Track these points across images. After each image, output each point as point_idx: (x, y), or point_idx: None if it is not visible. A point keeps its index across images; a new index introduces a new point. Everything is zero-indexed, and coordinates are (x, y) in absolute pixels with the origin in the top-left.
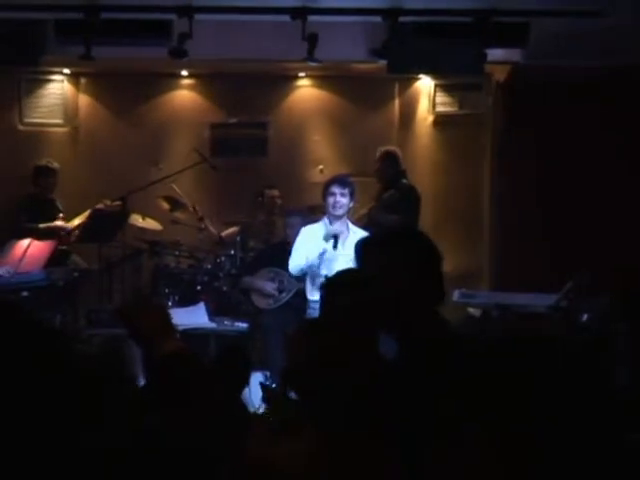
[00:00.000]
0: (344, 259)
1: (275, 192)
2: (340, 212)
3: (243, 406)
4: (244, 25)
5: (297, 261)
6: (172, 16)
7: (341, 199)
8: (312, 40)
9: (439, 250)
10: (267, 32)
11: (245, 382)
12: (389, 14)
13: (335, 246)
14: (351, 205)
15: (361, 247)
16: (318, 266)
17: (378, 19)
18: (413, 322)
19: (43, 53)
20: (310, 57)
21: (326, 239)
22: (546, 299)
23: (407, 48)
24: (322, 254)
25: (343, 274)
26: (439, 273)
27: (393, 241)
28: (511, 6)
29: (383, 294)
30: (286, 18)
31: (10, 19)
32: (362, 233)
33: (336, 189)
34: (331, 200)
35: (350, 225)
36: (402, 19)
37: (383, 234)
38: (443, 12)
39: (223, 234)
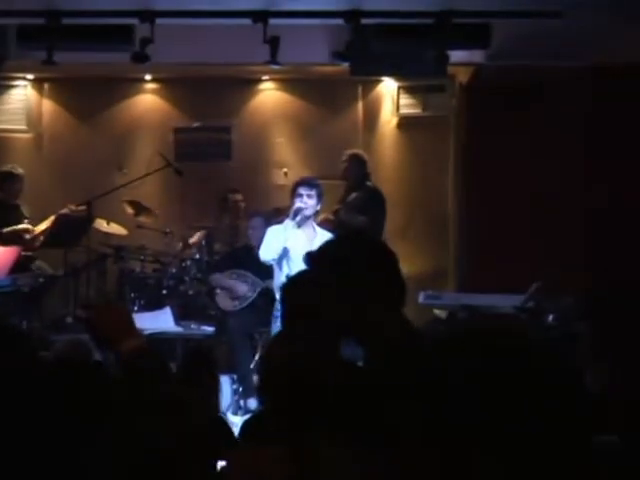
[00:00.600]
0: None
1: (239, 196)
2: (307, 213)
3: (217, 411)
4: (206, 29)
5: (266, 247)
6: (134, 21)
7: (307, 200)
8: (274, 43)
9: (392, 249)
10: (229, 35)
11: (216, 386)
12: (350, 17)
13: (294, 218)
14: (318, 208)
15: (314, 255)
16: (287, 253)
17: (339, 22)
18: (377, 324)
19: (6, 59)
20: (272, 60)
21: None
22: (512, 300)
23: (369, 51)
24: (289, 230)
25: (303, 275)
26: (397, 272)
27: (345, 245)
28: (472, 7)
29: (343, 297)
30: (248, 21)
31: None
32: (328, 235)
33: (303, 190)
34: (298, 201)
35: (316, 228)
36: (364, 21)
37: (334, 240)
38: (404, 14)
39: (190, 241)
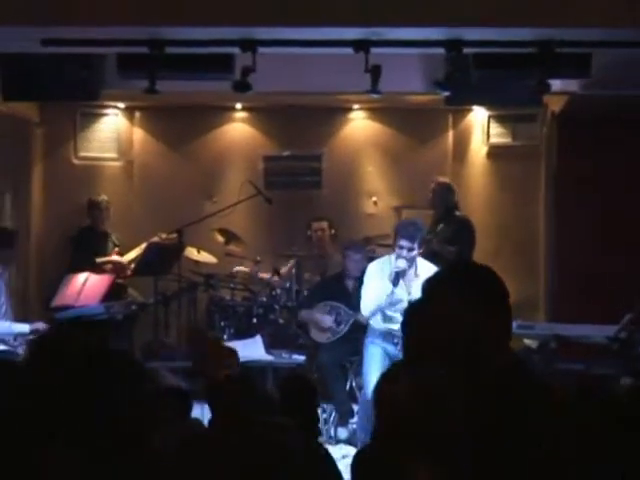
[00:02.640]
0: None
1: (323, 224)
2: (402, 265)
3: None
4: (301, 58)
5: (368, 304)
6: (235, 50)
7: (408, 254)
8: (375, 72)
9: (505, 286)
10: (324, 65)
11: (316, 414)
12: (451, 46)
13: (396, 284)
14: (415, 253)
15: (429, 285)
16: (387, 306)
17: (435, 51)
18: (486, 359)
19: (103, 87)
20: (373, 90)
21: (389, 279)
22: (604, 330)
23: (469, 80)
24: (390, 295)
25: (421, 306)
26: (508, 309)
27: (461, 278)
28: (573, 37)
29: (457, 331)
30: (347, 51)
31: (72, 54)
32: (431, 268)
33: (404, 243)
34: (398, 254)
35: (418, 263)
36: (464, 51)
37: (450, 271)
38: (504, 43)
39: (281, 271)
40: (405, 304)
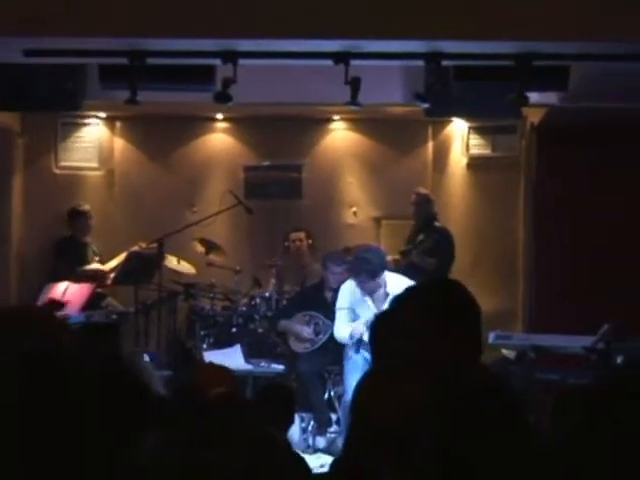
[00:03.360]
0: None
1: (301, 235)
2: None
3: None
4: (281, 69)
5: (338, 337)
6: (216, 61)
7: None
8: (355, 84)
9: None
10: (304, 76)
11: (291, 419)
12: (431, 58)
13: (357, 351)
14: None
15: (398, 301)
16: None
17: (415, 63)
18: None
19: (84, 98)
20: (353, 101)
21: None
22: (582, 341)
23: (449, 92)
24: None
25: (391, 316)
26: (479, 323)
27: (432, 296)
28: (552, 50)
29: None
30: (328, 63)
31: (55, 64)
32: (400, 283)
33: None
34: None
35: (388, 281)
36: (444, 63)
37: (419, 289)
38: (484, 56)
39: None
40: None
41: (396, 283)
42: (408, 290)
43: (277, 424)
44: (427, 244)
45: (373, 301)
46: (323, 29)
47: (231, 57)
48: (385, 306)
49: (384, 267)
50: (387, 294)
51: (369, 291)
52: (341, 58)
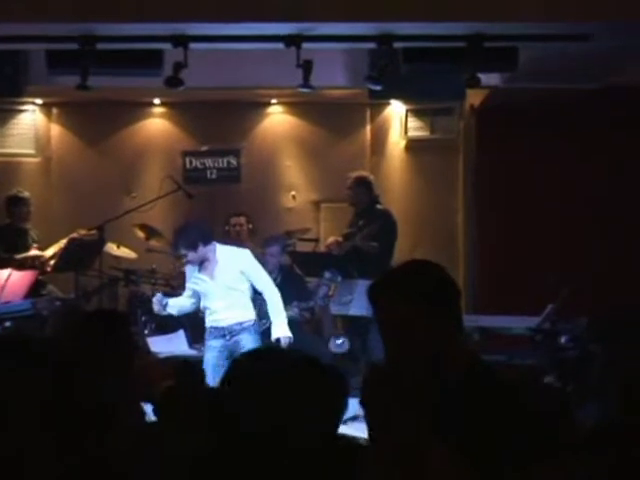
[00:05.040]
0: (218, 288)
1: (241, 219)
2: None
3: None
4: (218, 54)
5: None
6: (167, 46)
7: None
8: (307, 67)
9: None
10: (242, 60)
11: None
12: (381, 41)
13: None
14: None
15: (376, 291)
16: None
17: (366, 45)
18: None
19: (27, 83)
20: (305, 84)
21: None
22: (527, 321)
23: (398, 74)
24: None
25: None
26: (458, 303)
27: (409, 280)
28: (501, 31)
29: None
30: (279, 46)
31: None
32: (231, 250)
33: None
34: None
35: (217, 249)
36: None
37: (396, 273)
38: (433, 38)
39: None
40: (210, 286)
41: (227, 252)
42: (388, 277)
43: None
44: (372, 229)
45: (204, 271)
46: (274, 13)
47: (182, 41)
48: (217, 275)
49: (205, 238)
50: (217, 261)
51: (197, 262)
52: (293, 41)
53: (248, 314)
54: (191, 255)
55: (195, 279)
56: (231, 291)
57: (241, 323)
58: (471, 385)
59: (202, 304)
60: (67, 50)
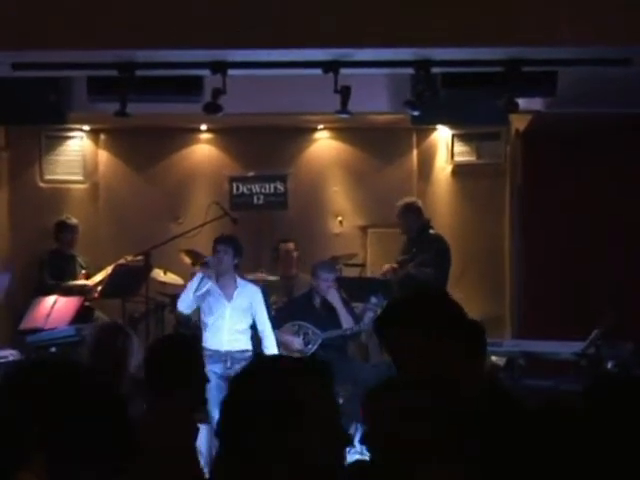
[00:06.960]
0: (235, 311)
1: (290, 245)
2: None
3: None
4: (264, 80)
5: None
6: (205, 72)
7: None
8: (345, 93)
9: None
10: (288, 86)
11: None
12: (419, 66)
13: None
14: (236, 262)
15: (385, 325)
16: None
17: (404, 71)
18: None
19: (71, 110)
20: (343, 110)
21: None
22: (572, 347)
23: (437, 99)
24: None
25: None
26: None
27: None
28: (539, 55)
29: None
30: (317, 72)
31: (40, 78)
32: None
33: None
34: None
35: (238, 280)
36: (433, 70)
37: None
38: (471, 63)
39: None
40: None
41: (244, 283)
42: (402, 305)
43: None
44: (425, 256)
45: (223, 290)
46: (312, 38)
47: (220, 67)
48: (236, 298)
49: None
50: (237, 286)
51: (216, 272)
52: (331, 67)
53: (249, 345)
54: (227, 260)
55: (212, 290)
56: (242, 317)
57: (243, 351)
58: (483, 412)
59: (203, 319)
60: (106, 77)
